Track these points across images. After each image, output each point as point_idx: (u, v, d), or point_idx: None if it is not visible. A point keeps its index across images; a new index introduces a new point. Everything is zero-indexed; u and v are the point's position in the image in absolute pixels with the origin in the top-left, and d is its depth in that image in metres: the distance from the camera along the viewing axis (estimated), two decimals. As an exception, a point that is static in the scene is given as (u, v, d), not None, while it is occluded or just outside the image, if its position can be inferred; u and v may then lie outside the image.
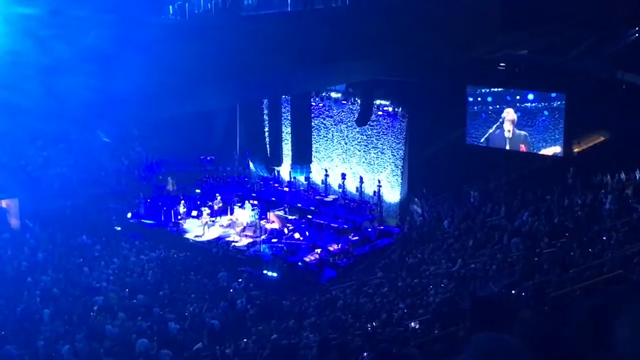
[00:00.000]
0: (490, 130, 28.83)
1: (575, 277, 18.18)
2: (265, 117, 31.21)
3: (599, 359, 3.97)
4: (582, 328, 4.20)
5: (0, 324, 20.46)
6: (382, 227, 30.66)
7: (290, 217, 31.39)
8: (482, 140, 28.97)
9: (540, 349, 3.76)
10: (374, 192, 31.66)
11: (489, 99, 29.05)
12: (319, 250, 28.27)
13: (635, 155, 24.55)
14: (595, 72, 26.73)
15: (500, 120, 28.62)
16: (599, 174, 25.38)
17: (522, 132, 28.31)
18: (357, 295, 23.61)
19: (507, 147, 28.67)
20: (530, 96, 28.07)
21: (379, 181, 31.52)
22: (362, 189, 32.08)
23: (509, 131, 28.48)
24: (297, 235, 29.69)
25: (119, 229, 30.89)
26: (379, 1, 16.44)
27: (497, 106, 28.66)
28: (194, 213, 32.14)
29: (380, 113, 31.02)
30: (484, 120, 29.07)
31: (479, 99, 29.26)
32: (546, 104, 27.73)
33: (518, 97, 28.35)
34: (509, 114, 28.49)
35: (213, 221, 31.40)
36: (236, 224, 31.08)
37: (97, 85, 16.50)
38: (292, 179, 34.06)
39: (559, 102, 27.38)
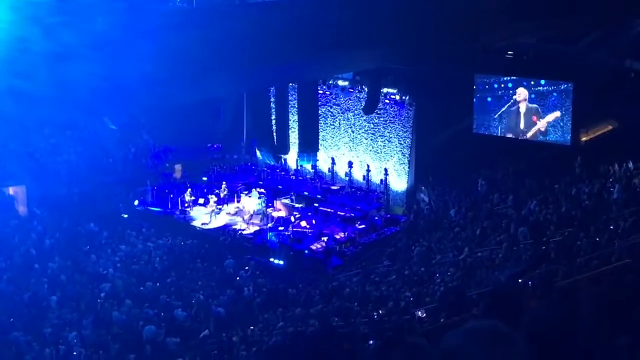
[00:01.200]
0: (503, 108, 28.67)
1: (582, 266, 18.16)
2: (273, 105, 31.16)
3: (608, 349, 3.96)
4: (591, 317, 4.19)
5: (8, 311, 20.54)
6: (388, 216, 30.63)
7: (296, 205, 31.36)
8: (496, 116, 28.71)
9: (548, 339, 3.74)
10: (381, 180, 31.61)
11: (495, 85, 28.97)
12: (325, 239, 28.27)
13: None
14: (603, 61, 26.62)
15: (513, 99, 28.45)
16: (606, 163, 25.32)
17: (534, 105, 28.16)
18: (364, 284, 23.63)
19: (522, 123, 28.36)
20: (542, 81, 27.97)
21: (386, 169, 31.47)
22: (369, 177, 32.04)
23: (523, 107, 28.33)
24: (303, 224, 29.67)
25: (126, 216, 30.92)
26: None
27: (510, 90, 28.52)
28: (201, 201, 32.17)
29: (387, 101, 30.93)
30: (492, 104, 28.91)
31: (487, 87, 29.17)
32: (555, 87, 27.62)
33: (532, 82, 28.23)
34: (522, 94, 28.33)
35: (220, 209, 31.41)
36: (243, 212, 31.10)
37: (104, 72, 16.48)
38: (299, 167, 34.02)
39: (566, 85, 27.27)
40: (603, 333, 4.05)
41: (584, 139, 28.08)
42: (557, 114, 27.47)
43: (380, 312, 20.36)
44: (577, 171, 26.17)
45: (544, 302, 5.20)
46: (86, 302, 21.35)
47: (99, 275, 23.55)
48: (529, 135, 28.47)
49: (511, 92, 28.53)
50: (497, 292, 4.83)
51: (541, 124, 27.91)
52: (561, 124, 27.56)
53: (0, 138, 25.70)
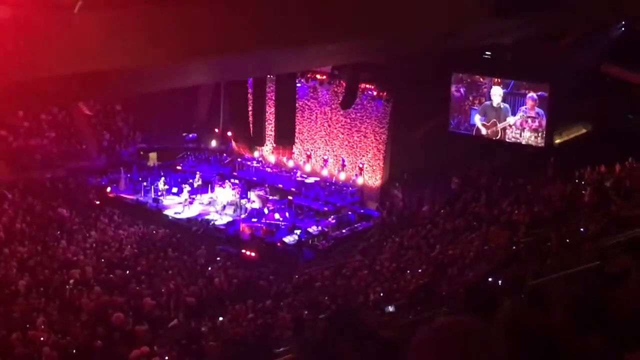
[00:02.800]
0: (479, 107, 28.64)
1: (552, 266, 18.28)
2: (250, 96, 31.06)
3: (579, 348, 3.98)
4: (563, 317, 4.22)
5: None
6: (362, 211, 30.72)
7: (270, 197, 31.35)
8: (480, 107, 28.45)
9: (521, 337, 3.75)
10: (355, 175, 31.66)
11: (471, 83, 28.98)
12: (298, 232, 28.30)
13: (615, 149, 24.65)
14: (580, 64, 26.76)
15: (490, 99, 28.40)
16: (579, 166, 25.48)
17: (505, 105, 28.07)
18: (335, 278, 23.65)
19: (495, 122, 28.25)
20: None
21: (361, 164, 31.53)
22: (344, 172, 32.07)
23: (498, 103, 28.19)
24: (276, 216, 29.69)
25: (98, 203, 30.72)
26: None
27: (485, 88, 28.44)
28: (175, 190, 32.06)
29: (364, 96, 30.96)
30: (467, 102, 28.85)
31: (464, 84, 29.21)
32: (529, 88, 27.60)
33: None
34: (496, 93, 28.27)
35: (193, 199, 31.32)
36: (216, 203, 31.03)
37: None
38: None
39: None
40: (574, 332, 4.08)
41: (557, 141, 28.25)
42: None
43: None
44: (550, 172, 26.32)
45: (516, 300, 5.23)
46: (55, 288, 21.16)
47: (68, 261, 23.37)
48: (498, 134, 28.43)
49: (486, 90, 28.54)
50: (470, 289, 4.85)
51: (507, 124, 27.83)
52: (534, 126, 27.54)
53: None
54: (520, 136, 27.56)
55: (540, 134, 27.00)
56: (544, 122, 26.98)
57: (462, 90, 28.63)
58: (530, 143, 27.44)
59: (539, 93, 26.99)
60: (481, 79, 28.35)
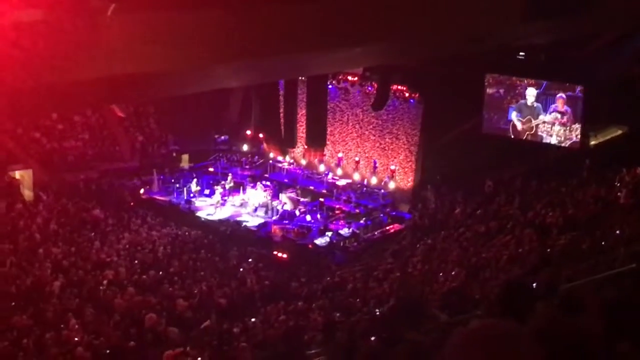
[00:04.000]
0: (514, 107, 28.47)
1: (586, 270, 18.07)
2: (281, 98, 31.08)
3: (610, 354, 3.92)
4: (595, 321, 4.15)
5: (11, 295, 20.53)
6: (394, 213, 30.60)
7: (302, 199, 31.35)
8: (516, 105, 28.31)
9: (554, 342, 3.70)
10: (387, 177, 31.56)
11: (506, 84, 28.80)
12: (329, 234, 28.26)
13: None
14: (614, 65, 26.48)
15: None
16: (614, 168, 25.20)
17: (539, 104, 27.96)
18: (367, 280, 23.59)
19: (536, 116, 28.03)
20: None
21: (393, 166, 31.42)
22: (375, 174, 31.98)
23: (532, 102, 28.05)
24: (308, 218, 29.69)
25: (131, 204, 30.94)
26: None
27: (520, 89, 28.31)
28: (207, 191, 32.21)
29: (396, 98, 30.84)
30: (502, 103, 28.65)
31: (498, 85, 29.00)
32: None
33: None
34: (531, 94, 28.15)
35: (225, 200, 31.43)
36: (248, 204, 31.11)
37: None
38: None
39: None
40: (606, 338, 4.02)
41: (592, 142, 27.96)
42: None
43: (382, 308, 20.31)
44: (585, 175, 26.06)
45: (549, 304, 5.16)
46: (89, 288, 21.33)
47: (102, 262, 23.55)
48: (532, 129, 28.22)
49: (521, 90, 28.34)
50: (503, 293, 4.81)
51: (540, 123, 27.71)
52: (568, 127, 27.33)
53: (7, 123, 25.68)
54: (551, 129, 27.33)
55: (568, 128, 26.92)
56: (571, 118, 26.86)
57: (501, 91, 28.51)
58: (560, 137, 27.22)
59: (567, 93, 26.87)
60: (518, 81, 28.21)
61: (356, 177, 32.51)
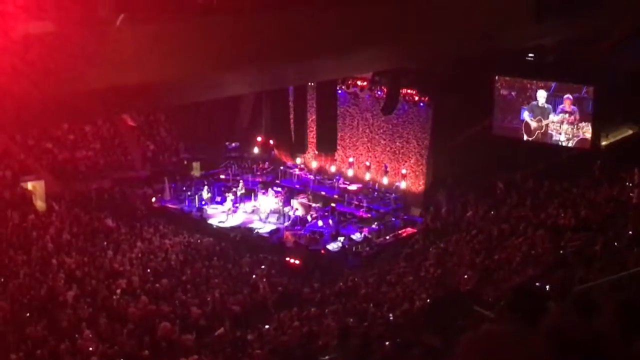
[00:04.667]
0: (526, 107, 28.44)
1: (600, 271, 18.00)
2: (291, 104, 31.14)
3: (625, 355, 3.90)
4: (610, 322, 4.13)
5: (25, 305, 20.62)
6: (405, 217, 30.56)
7: (313, 204, 31.36)
8: (528, 106, 28.30)
9: (567, 342, 3.69)
10: (398, 181, 31.54)
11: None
12: (341, 239, 28.25)
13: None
14: (623, 65, 26.37)
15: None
16: (626, 168, 25.10)
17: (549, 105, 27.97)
18: (379, 284, 23.56)
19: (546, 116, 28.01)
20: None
21: (404, 170, 31.41)
22: (387, 178, 31.97)
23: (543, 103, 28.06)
24: (320, 223, 29.70)
25: (143, 213, 31.02)
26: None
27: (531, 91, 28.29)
28: (218, 199, 32.28)
29: (406, 102, 30.83)
30: (513, 104, 28.58)
31: (508, 87, 28.93)
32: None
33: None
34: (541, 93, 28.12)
35: (236, 207, 31.47)
36: (260, 211, 31.13)
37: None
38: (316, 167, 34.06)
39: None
40: (621, 339, 4.00)
41: (604, 143, 27.84)
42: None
43: (396, 312, 20.28)
44: (597, 175, 25.96)
45: (563, 305, 5.14)
46: (102, 298, 21.39)
47: (115, 271, 23.62)
48: (542, 128, 28.17)
49: (532, 93, 28.28)
50: (516, 294, 4.79)
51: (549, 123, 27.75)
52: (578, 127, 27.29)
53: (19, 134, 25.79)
54: (560, 128, 27.32)
55: (575, 126, 26.98)
56: (578, 117, 26.91)
57: (513, 93, 28.50)
58: (568, 134, 27.19)
59: (574, 94, 26.93)
60: (528, 84, 28.20)
61: (367, 181, 32.50)
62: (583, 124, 26.94)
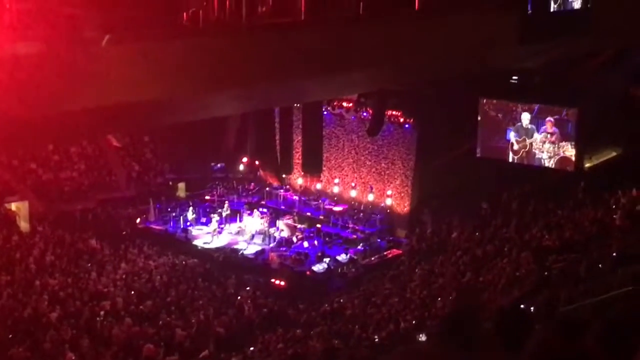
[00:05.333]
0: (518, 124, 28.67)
1: (584, 292, 18.06)
2: (277, 125, 31.20)
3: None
4: (595, 344, 4.15)
5: (8, 327, 20.44)
6: (391, 238, 30.58)
7: (299, 225, 31.33)
8: (513, 127, 28.49)
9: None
10: (383, 202, 31.58)
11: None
12: (327, 260, 28.22)
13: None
14: (609, 87, 26.61)
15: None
16: (610, 190, 25.26)
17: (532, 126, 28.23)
18: (365, 306, 23.53)
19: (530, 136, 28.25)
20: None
21: (389, 191, 31.46)
22: (372, 199, 32.01)
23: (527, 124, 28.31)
24: (305, 244, 29.67)
25: (127, 233, 30.89)
26: (393, 10, 16.47)
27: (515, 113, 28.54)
28: (203, 220, 32.20)
29: (391, 123, 30.94)
30: (497, 126, 28.78)
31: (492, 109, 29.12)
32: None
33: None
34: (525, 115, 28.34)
35: (222, 228, 31.39)
36: (245, 232, 31.07)
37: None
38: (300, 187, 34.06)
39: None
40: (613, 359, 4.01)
41: (587, 165, 28.02)
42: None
43: (382, 334, 20.25)
44: (581, 197, 26.10)
45: (548, 327, 5.15)
46: (86, 319, 21.24)
47: (99, 293, 23.47)
48: (527, 147, 28.37)
49: (517, 115, 28.48)
50: (501, 316, 4.77)
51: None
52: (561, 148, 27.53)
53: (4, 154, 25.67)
54: (542, 147, 27.55)
55: (557, 145, 27.24)
56: (559, 137, 27.18)
57: (499, 115, 28.69)
58: (550, 153, 27.43)
59: (555, 117, 27.22)
60: (513, 107, 28.41)
61: (353, 202, 32.53)
62: (564, 143, 27.16)
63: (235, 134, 37.05)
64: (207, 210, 33.23)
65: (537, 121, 28.01)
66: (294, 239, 30.30)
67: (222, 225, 31.56)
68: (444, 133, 28.66)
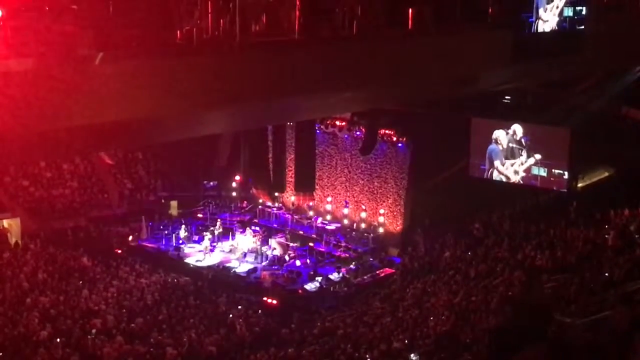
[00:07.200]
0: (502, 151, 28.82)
1: (575, 312, 18.05)
2: (270, 143, 31.21)
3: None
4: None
5: (-2, 344, 20.33)
6: (383, 257, 30.55)
7: (291, 244, 31.30)
8: (506, 145, 28.64)
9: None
10: (376, 221, 31.58)
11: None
12: (319, 279, 28.17)
13: (638, 192, 24.49)
14: (600, 107, 26.75)
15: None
16: (602, 210, 25.31)
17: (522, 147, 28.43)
18: (357, 325, 23.47)
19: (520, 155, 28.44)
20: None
21: (382, 210, 31.47)
22: (365, 218, 32.00)
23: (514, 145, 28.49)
24: (298, 263, 29.63)
25: (119, 251, 30.80)
26: (386, 30, 16.56)
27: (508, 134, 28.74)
28: (195, 238, 32.15)
29: (384, 142, 31.00)
30: (488, 147, 28.90)
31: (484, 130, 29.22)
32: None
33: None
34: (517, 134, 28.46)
35: (214, 246, 31.34)
36: (237, 250, 31.02)
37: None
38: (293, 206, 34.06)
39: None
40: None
41: (580, 184, 28.10)
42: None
43: (373, 353, 20.18)
44: (573, 216, 26.15)
45: (539, 346, 5.17)
46: (77, 338, 21.12)
47: (90, 311, 23.36)
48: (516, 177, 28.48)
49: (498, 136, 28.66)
50: (493, 337, 4.78)
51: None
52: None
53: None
54: (528, 165, 27.73)
55: (546, 166, 27.42)
56: (549, 156, 27.38)
57: (490, 135, 28.84)
58: (534, 172, 27.61)
59: (545, 136, 27.43)
60: (505, 127, 28.57)
61: (345, 221, 32.54)
62: (554, 162, 27.30)
63: (228, 151, 37.09)
64: (200, 228, 33.18)
65: (528, 140, 28.15)
66: (287, 258, 30.28)
67: (215, 244, 31.51)
68: (436, 152, 28.74)
